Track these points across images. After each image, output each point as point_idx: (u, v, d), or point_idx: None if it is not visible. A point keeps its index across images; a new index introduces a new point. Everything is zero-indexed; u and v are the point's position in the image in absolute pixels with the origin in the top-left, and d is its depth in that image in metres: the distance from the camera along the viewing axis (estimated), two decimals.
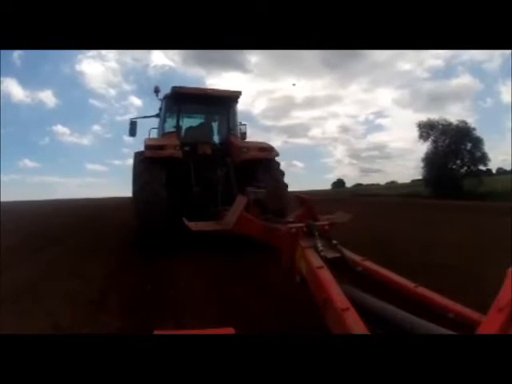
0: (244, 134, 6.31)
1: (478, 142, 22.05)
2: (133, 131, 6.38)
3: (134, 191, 4.80)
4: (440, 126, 23.12)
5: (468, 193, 19.86)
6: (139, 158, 4.95)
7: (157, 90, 6.03)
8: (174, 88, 5.51)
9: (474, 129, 22.38)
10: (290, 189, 5.48)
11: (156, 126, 6.29)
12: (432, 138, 23.16)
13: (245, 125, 6.40)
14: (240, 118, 6.07)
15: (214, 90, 5.75)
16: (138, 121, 6.60)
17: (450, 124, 22.94)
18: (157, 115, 6.32)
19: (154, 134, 6.26)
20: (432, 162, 22.73)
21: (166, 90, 5.95)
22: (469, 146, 22.19)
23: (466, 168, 22.30)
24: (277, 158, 5.25)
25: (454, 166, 22.44)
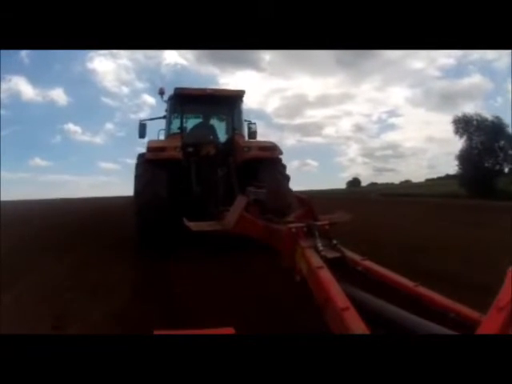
0: (254, 134, 6.29)
1: (511, 140, 21.27)
2: (142, 133, 6.41)
3: (135, 191, 4.86)
4: (474, 122, 22.17)
5: (501, 192, 18.94)
6: (141, 159, 5.02)
7: (161, 92, 6.03)
8: (176, 89, 5.54)
9: (507, 125, 21.56)
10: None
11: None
12: (466, 134, 22.21)
13: (254, 124, 6.39)
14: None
15: (216, 89, 5.76)
16: (148, 122, 6.59)
17: (485, 120, 22.05)
18: (164, 117, 6.36)
19: (163, 136, 6.30)
20: (467, 159, 21.76)
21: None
22: (502, 143, 21.45)
23: (498, 166, 21.53)
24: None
25: (486, 165, 21.57)
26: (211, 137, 5.86)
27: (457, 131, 22.75)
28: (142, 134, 6.38)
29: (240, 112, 5.92)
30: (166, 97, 6.04)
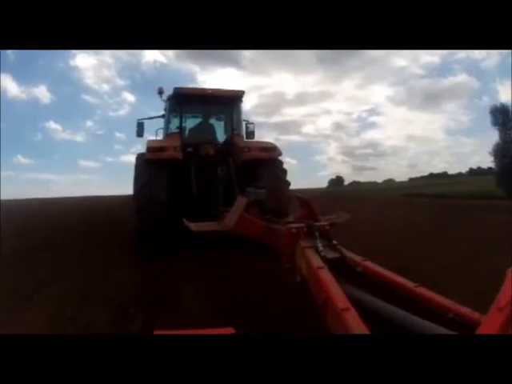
0: (252, 134, 6.28)
1: None
2: (140, 132, 6.38)
3: (135, 191, 4.86)
4: None
5: None
6: (141, 159, 5.01)
7: (160, 92, 6.02)
8: (175, 89, 5.55)
9: None
10: None
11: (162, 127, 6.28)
12: (506, 126, 20.39)
13: (253, 123, 6.37)
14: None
15: (215, 89, 5.75)
16: (146, 121, 6.55)
17: None
18: (162, 116, 6.34)
19: (161, 135, 6.28)
20: (504, 155, 19.96)
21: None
22: None
23: None
24: None
25: None
26: (210, 137, 5.86)
27: (495, 122, 20.88)
28: (139, 133, 6.36)
29: (239, 112, 5.93)
30: (164, 96, 6.04)
